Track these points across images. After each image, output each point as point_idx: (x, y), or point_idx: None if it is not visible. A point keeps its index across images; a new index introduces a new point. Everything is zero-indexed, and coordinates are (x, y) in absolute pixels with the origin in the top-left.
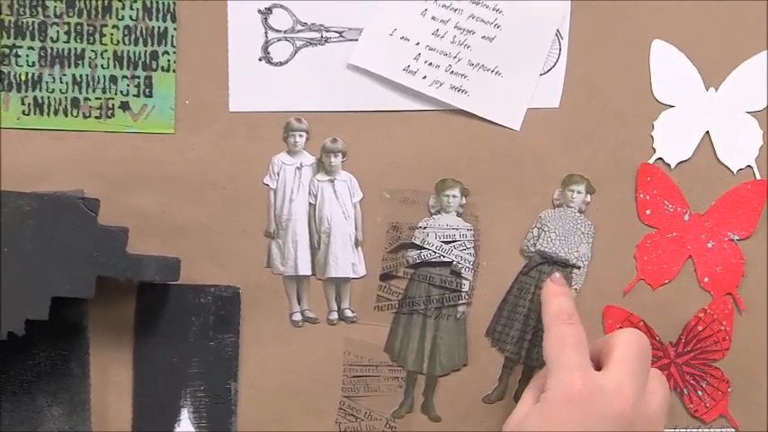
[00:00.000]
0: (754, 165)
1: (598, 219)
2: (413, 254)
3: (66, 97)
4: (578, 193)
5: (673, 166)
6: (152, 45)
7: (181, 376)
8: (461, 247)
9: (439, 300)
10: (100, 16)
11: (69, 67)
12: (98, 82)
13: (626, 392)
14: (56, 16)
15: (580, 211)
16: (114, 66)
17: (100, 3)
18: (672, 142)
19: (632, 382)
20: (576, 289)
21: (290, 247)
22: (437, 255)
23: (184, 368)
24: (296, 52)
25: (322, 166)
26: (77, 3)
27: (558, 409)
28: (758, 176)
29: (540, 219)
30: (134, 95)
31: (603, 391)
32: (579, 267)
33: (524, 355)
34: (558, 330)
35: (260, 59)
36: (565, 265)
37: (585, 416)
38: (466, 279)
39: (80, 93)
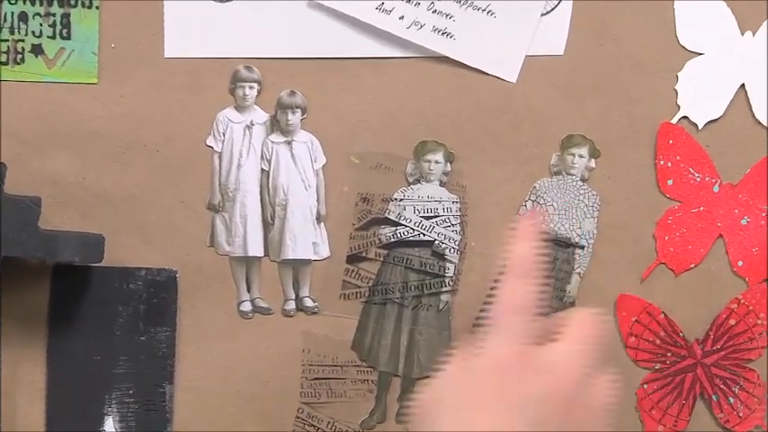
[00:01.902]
0: None
1: (609, 190)
2: (386, 231)
3: None
4: (580, 157)
5: (700, 127)
6: None
7: (105, 377)
8: (445, 224)
9: (418, 287)
10: None
11: None
12: (4, 21)
13: (570, 371)
14: None
15: (583, 180)
16: (24, 1)
17: None
18: (699, 97)
19: (578, 362)
20: (579, 273)
21: (239, 223)
22: (416, 232)
23: (109, 368)
24: None
25: (277, 125)
26: None
27: (480, 379)
28: None
29: (535, 189)
30: (49, 37)
31: (542, 367)
32: (583, 247)
33: None
34: (510, 287)
35: None
36: (566, 245)
37: (510, 392)
38: (450, 262)
39: None
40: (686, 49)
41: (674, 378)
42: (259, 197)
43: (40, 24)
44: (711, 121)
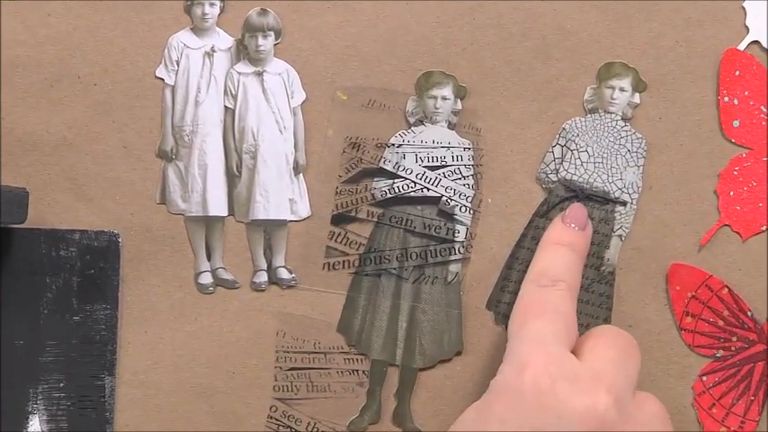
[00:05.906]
0: None
1: (659, 132)
2: (382, 185)
3: None
4: (621, 90)
5: None
6: None
7: (29, 367)
8: (454, 176)
9: (420, 254)
10: None
11: None
12: None
13: (608, 381)
14: None
15: (625, 119)
16: None
17: None
18: None
19: (617, 372)
20: (620, 236)
21: (196, 174)
22: (418, 187)
23: (34, 355)
24: None
25: (245, 52)
26: None
27: (500, 402)
28: None
29: (565, 131)
30: None
31: (576, 377)
32: (625, 204)
33: None
34: (531, 295)
35: None
36: (603, 201)
37: (538, 412)
38: (461, 223)
39: None
40: None
41: (741, 368)
42: (222, 142)
43: None
44: None
